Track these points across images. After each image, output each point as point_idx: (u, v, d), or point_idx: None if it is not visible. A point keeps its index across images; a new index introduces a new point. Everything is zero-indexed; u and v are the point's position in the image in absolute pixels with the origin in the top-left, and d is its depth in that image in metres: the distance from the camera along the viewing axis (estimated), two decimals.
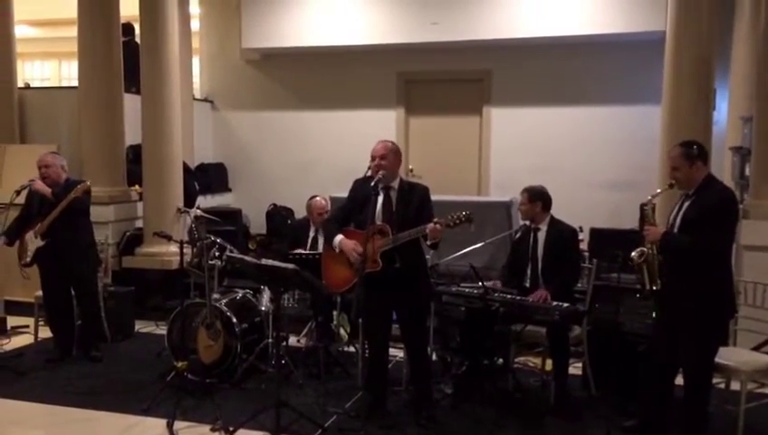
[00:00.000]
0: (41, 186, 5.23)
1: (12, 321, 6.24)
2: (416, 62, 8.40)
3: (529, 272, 4.61)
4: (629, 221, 6.94)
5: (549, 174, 7.73)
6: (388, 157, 4.10)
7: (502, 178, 8.16)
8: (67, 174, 5.41)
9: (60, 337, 5.48)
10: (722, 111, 7.06)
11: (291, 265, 3.74)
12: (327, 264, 4.28)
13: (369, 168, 4.17)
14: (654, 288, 3.75)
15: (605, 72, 7.89)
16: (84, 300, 5.47)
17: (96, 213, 6.70)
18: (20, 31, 9.88)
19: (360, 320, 4.32)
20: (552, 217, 4.65)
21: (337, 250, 4.11)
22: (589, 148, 7.99)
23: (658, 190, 3.98)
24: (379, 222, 4.05)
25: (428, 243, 3.99)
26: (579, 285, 4.75)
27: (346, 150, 8.29)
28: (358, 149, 8.07)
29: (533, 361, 5.12)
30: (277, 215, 8.56)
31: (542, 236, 4.60)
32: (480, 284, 4.35)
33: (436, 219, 3.86)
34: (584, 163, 7.96)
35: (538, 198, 4.61)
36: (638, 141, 7.60)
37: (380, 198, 4.11)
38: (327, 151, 8.71)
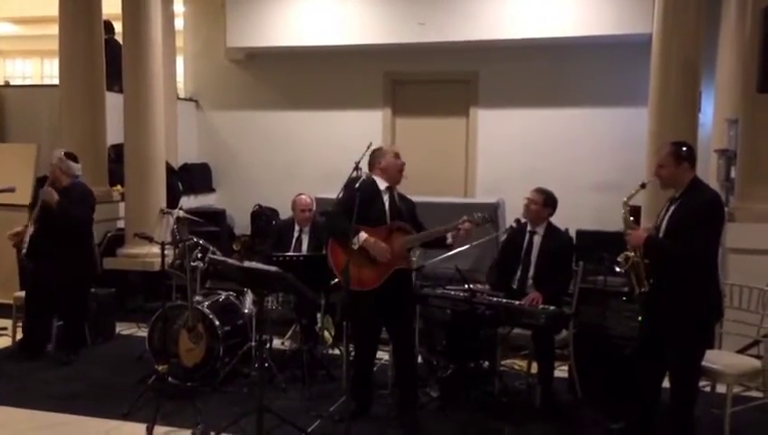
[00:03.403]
0: (49, 195, 5.11)
1: None
2: (403, 62, 8.36)
3: (518, 274, 4.57)
4: (615, 223, 6.94)
5: (535, 176, 7.66)
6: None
7: (488, 179, 8.16)
8: (72, 178, 5.28)
9: (28, 335, 5.41)
10: (707, 114, 7.07)
11: (274, 268, 3.66)
12: (339, 258, 4.04)
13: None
14: (642, 290, 3.72)
15: (592, 73, 7.89)
16: (61, 305, 5.38)
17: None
18: (2, 28, 9.77)
19: (346, 323, 4.28)
20: (550, 223, 4.62)
21: (356, 246, 3.94)
22: (575, 149, 7.98)
23: (632, 192, 3.87)
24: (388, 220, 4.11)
25: (449, 242, 4.07)
26: None
27: (332, 151, 8.24)
28: (344, 150, 7.99)
29: (519, 363, 5.08)
30: (262, 216, 8.46)
31: (537, 239, 4.56)
32: (466, 286, 4.30)
33: (465, 217, 3.92)
34: (570, 165, 7.93)
35: (551, 203, 4.60)
36: (625, 143, 7.57)
37: (386, 198, 4.15)
38: (313, 152, 8.65)
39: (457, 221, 3.98)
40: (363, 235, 4.00)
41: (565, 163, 7.94)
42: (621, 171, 7.50)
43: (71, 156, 5.37)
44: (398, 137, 8.51)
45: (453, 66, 8.26)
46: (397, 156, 4.20)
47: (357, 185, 4.05)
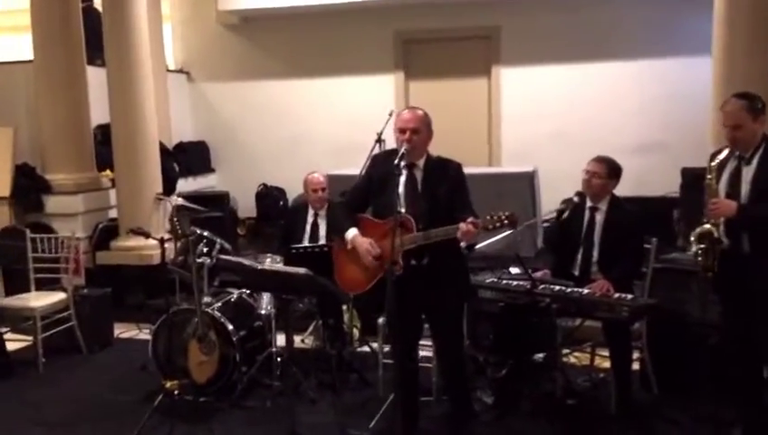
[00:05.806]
0: None
1: None
2: (415, 19, 7.73)
3: (579, 258, 3.92)
4: (657, 188, 6.38)
5: (567, 139, 7.27)
6: (422, 130, 3.35)
7: (515, 146, 7.59)
8: None
9: None
10: None
11: (302, 270, 2.98)
12: (338, 259, 3.57)
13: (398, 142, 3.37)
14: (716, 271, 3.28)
15: (628, 23, 7.22)
16: None
17: (63, 204, 6.14)
18: None
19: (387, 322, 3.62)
20: (614, 196, 3.94)
21: (349, 247, 3.42)
22: (611, 108, 7.36)
23: (719, 157, 3.30)
24: (402, 209, 3.30)
25: (463, 245, 3.25)
26: None
27: (341, 122, 7.83)
28: (354, 120, 7.53)
29: (576, 355, 4.46)
30: (268, 196, 7.98)
31: (599, 217, 3.90)
32: (526, 273, 3.69)
33: (471, 219, 3.10)
34: (606, 126, 7.29)
35: (616, 174, 3.92)
36: (668, 99, 7.08)
37: (402, 179, 3.36)
38: (320, 123, 8.09)
39: (461, 224, 3.12)
40: (352, 232, 3.41)
41: (600, 124, 7.31)
42: (664, 131, 7.07)
43: None
44: (413, 103, 7.76)
45: (471, 21, 7.61)
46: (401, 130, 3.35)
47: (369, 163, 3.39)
